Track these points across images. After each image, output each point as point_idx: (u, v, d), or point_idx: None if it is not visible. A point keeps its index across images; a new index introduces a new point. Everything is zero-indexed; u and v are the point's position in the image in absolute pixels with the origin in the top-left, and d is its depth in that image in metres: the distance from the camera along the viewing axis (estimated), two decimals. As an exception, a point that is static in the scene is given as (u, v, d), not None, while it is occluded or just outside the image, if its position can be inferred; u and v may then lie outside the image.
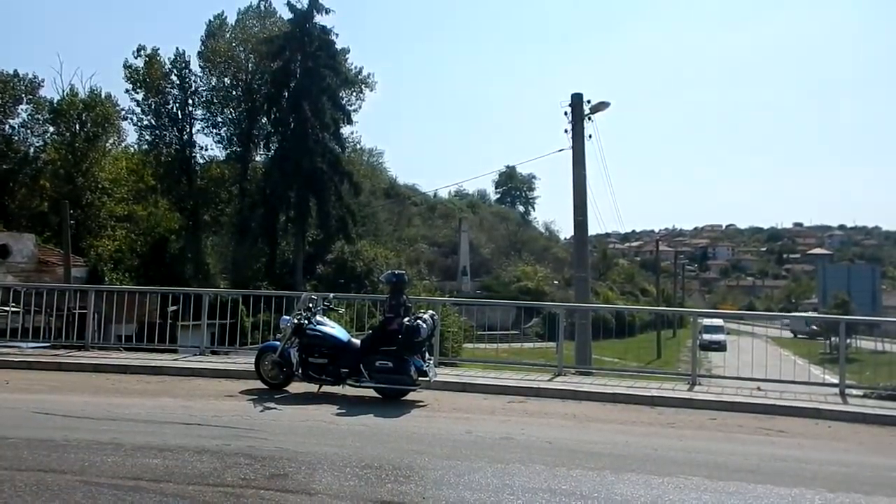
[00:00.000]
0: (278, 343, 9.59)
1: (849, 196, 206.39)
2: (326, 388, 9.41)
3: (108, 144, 43.36)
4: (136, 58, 44.57)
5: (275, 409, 8.41)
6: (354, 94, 48.56)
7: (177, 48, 45.76)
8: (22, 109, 41.54)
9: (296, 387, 9.56)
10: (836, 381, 10.94)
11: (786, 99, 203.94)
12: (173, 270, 35.91)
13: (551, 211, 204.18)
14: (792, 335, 38.89)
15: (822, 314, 41.40)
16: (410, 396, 9.16)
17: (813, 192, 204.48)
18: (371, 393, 9.21)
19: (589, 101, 18.83)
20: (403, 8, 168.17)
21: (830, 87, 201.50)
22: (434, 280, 50.90)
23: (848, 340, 11.81)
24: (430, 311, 9.79)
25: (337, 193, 42.33)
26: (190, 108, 45.97)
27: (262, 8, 47.79)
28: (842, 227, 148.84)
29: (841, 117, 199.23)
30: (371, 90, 49.62)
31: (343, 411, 8.37)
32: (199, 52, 45.72)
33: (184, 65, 45.20)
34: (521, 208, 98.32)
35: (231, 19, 47.42)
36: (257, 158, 48.11)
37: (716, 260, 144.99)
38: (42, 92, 41.78)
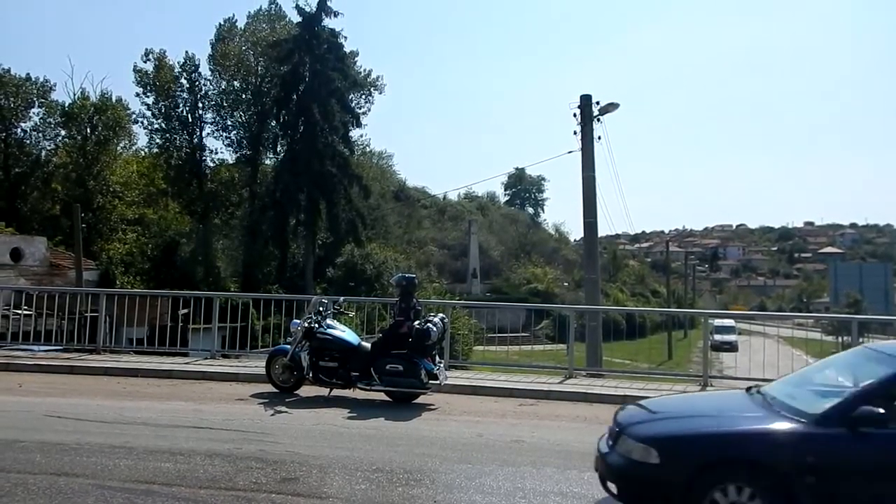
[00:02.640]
0: (289, 346, 9.60)
1: (860, 194, 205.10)
2: (337, 392, 9.42)
3: (118, 148, 43.72)
4: (144, 62, 44.88)
5: (286, 412, 8.42)
6: (363, 96, 48.60)
7: (186, 52, 46.00)
8: (34, 113, 41.97)
9: (306, 390, 9.57)
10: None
11: (796, 97, 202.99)
12: (184, 273, 36.06)
13: (561, 212, 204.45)
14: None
15: (834, 313, 41.18)
16: (421, 399, 9.15)
17: (824, 190, 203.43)
18: (381, 396, 9.20)
19: (598, 103, 18.73)
20: (412, 10, 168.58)
21: (842, 84, 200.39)
22: (444, 282, 50.78)
23: (861, 339, 11.70)
24: (440, 314, 9.78)
25: (346, 196, 42.37)
26: (200, 112, 46.18)
27: (272, 11, 47.94)
28: (853, 225, 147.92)
29: (852, 115, 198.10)
30: (380, 93, 49.68)
31: (354, 414, 8.37)
32: (209, 56, 45.91)
33: (193, 68, 45.41)
34: (531, 210, 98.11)
35: (241, 23, 47.63)
36: (267, 161, 48.23)
37: (726, 260, 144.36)
38: (53, 96, 42.21)
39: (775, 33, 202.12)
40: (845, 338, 28.25)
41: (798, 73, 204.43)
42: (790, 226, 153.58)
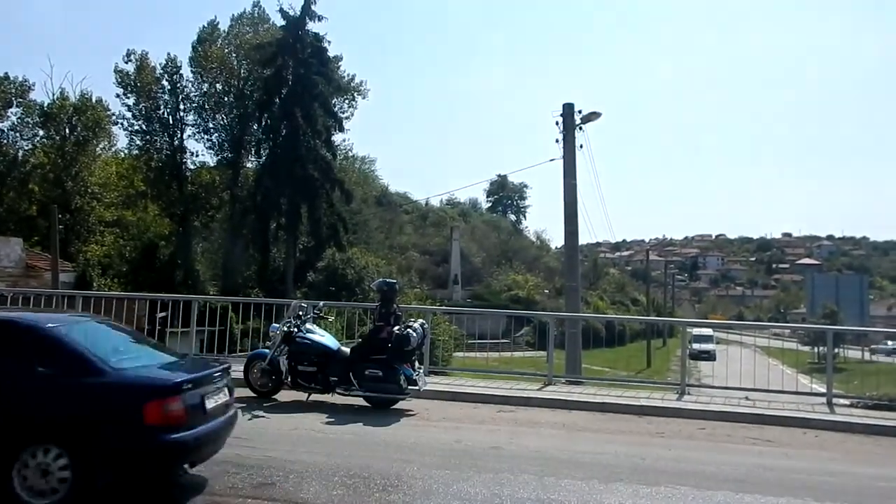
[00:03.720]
0: (268, 351, 9.55)
1: (837, 206, 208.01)
2: (315, 397, 9.38)
3: (98, 149, 43.25)
4: (126, 62, 44.51)
5: (263, 417, 8.38)
6: (346, 101, 48.48)
7: (168, 53, 45.53)
8: (12, 112, 41.36)
9: (285, 395, 9.52)
10: (823, 390, 11.00)
11: (775, 109, 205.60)
12: (163, 276, 35.68)
13: (542, 220, 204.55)
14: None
15: (810, 324, 41.67)
16: (400, 405, 9.14)
17: (802, 202, 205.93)
18: (360, 401, 9.18)
19: (580, 111, 18.86)
20: (396, 16, 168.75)
21: (819, 98, 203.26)
22: (425, 288, 50.84)
23: (836, 350, 11.88)
24: (421, 320, 9.80)
25: (328, 201, 42.25)
26: (181, 114, 45.79)
27: (256, 14, 47.74)
28: (830, 237, 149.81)
29: (829, 128, 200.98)
30: (363, 98, 49.57)
31: (332, 420, 8.35)
32: (190, 58, 45.62)
33: (175, 70, 45.07)
34: (513, 217, 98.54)
35: (224, 25, 47.39)
36: (248, 165, 47.96)
37: (706, 269, 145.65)
38: (32, 95, 41.66)
39: (756, 47, 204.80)
40: (821, 348, 28.64)
41: (777, 87, 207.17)
42: (768, 236, 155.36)
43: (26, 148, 42.26)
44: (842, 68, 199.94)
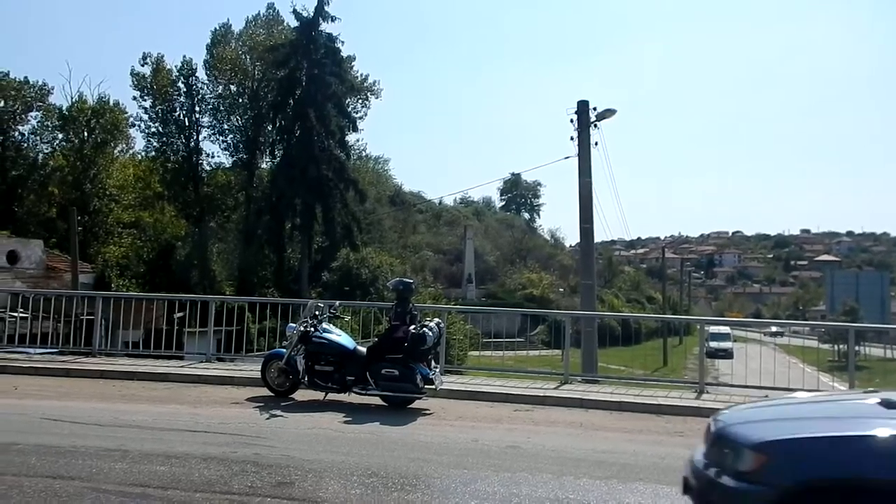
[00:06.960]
0: (284, 350, 9.58)
1: (857, 202, 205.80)
2: (332, 396, 9.40)
3: (115, 151, 43.74)
4: (142, 65, 44.88)
5: (281, 416, 8.40)
6: (360, 101, 48.63)
7: (184, 56, 45.86)
8: (32, 116, 41.96)
9: (302, 394, 9.55)
10: (845, 388, 10.87)
11: (792, 105, 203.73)
12: (179, 277, 36.00)
13: (557, 218, 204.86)
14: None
15: (830, 321, 41.31)
16: (416, 404, 9.14)
17: (820, 198, 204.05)
18: (377, 401, 9.19)
19: (595, 109, 18.77)
20: (409, 16, 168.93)
21: (837, 93, 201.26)
22: (439, 287, 50.84)
23: (857, 348, 11.74)
24: (436, 319, 9.77)
25: (342, 201, 42.34)
26: (197, 116, 46.11)
27: (269, 16, 47.97)
28: (850, 233, 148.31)
29: (848, 123, 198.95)
30: (377, 98, 49.72)
31: (349, 419, 8.36)
32: (205, 61, 45.92)
33: (190, 72, 45.37)
34: (527, 215, 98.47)
35: (238, 27, 47.67)
36: (263, 165, 48.24)
37: (722, 267, 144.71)
38: (51, 99, 42.21)
39: (773, 45, 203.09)
40: (841, 346, 28.35)
41: (795, 83, 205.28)
42: (786, 233, 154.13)
43: (46, 151, 42.88)
44: (860, 62, 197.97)
